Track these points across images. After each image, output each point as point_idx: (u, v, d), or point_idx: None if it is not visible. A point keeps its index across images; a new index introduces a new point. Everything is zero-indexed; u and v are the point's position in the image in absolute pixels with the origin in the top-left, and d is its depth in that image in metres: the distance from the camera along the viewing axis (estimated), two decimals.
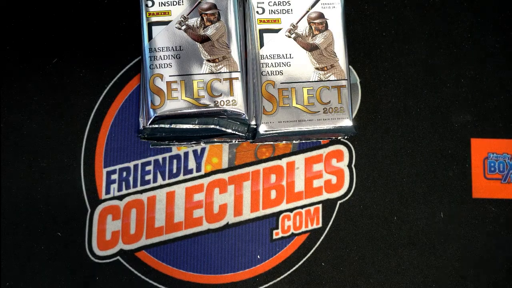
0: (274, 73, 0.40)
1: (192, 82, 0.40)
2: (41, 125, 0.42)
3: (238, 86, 0.40)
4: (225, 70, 0.40)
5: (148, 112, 0.39)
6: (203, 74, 0.40)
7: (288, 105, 0.40)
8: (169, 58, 0.40)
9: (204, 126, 0.39)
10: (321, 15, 0.41)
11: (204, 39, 0.40)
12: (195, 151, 0.42)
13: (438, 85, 0.43)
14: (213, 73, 0.40)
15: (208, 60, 0.40)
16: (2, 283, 0.40)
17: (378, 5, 0.44)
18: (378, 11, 0.44)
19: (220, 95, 0.39)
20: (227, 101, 0.39)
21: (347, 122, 0.40)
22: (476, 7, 0.44)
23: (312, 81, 0.40)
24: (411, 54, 0.44)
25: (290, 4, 0.42)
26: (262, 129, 0.39)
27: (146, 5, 0.41)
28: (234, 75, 0.40)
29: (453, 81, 0.43)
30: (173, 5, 0.41)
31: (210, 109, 0.39)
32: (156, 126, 0.39)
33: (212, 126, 0.39)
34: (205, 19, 0.41)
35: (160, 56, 0.40)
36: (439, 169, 0.43)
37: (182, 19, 0.40)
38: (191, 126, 0.39)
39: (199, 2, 0.41)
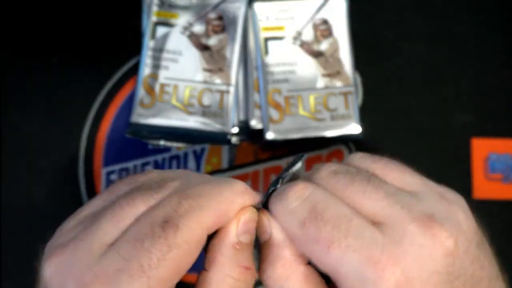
0: (280, 81, 0.40)
1: (185, 88, 0.40)
2: (40, 125, 0.42)
3: (228, 99, 0.40)
4: (218, 82, 0.40)
5: (136, 108, 0.40)
6: (196, 82, 0.40)
7: (294, 113, 0.40)
8: (167, 61, 0.41)
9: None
10: (325, 22, 0.41)
11: (205, 48, 0.40)
12: (194, 151, 0.42)
13: (438, 85, 0.43)
14: (206, 82, 0.40)
15: (205, 69, 0.40)
16: (2, 284, 0.40)
17: (378, 5, 0.44)
18: (378, 11, 0.44)
19: (209, 106, 0.40)
20: (214, 113, 0.40)
21: (355, 129, 0.40)
22: (477, 7, 0.44)
23: (318, 88, 0.40)
24: (411, 54, 0.43)
25: (294, 11, 0.42)
26: (269, 137, 0.39)
27: (156, 5, 0.41)
28: (226, 88, 0.40)
29: (454, 81, 0.43)
30: (182, 9, 0.41)
31: (196, 117, 0.39)
32: (143, 122, 0.39)
33: None
34: (209, 29, 0.41)
35: (159, 56, 0.41)
36: (440, 169, 0.43)
37: (187, 24, 0.41)
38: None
39: (207, 12, 0.41)
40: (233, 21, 0.41)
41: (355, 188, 0.25)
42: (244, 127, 0.41)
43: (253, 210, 0.26)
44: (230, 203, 0.25)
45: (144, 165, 0.41)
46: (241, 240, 0.25)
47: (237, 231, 0.25)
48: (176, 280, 0.24)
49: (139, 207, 0.25)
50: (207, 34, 0.41)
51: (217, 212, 0.25)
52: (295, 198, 0.25)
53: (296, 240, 0.25)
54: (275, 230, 0.25)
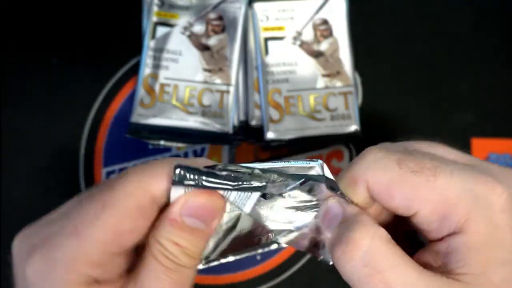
0: (280, 81, 0.40)
1: (185, 88, 0.40)
2: (40, 125, 0.42)
3: (228, 99, 0.40)
4: (218, 82, 0.40)
5: (136, 108, 0.40)
6: (196, 82, 0.40)
7: (294, 113, 0.40)
8: (167, 61, 0.41)
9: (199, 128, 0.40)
10: (325, 22, 0.41)
11: (205, 48, 0.41)
12: (195, 151, 0.42)
13: (438, 85, 0.43)
14: (206, 82, 0.40)
15: (205, 69, 0.40)
16: (2, 284, 0.40)
17: (378, 5, 0.44)
18: (378, 11, 0.44)
19: (209, 106, 0.40)
20: (214, 113, 0.40)
21: (355, 129, 0.40)
22: (476, 7, 0.44)
23: (318, 88, 0.40)
24: (411, 54, 0.43)
25: (294, 11, 0.42)
26: (269, 137, 0.39)
27: (156, 5, 0.41)
28: (226, 88, 0.40)
29: (454, 81, 0.43)
30: (182, 9, 0.41)
31: (196, 117, 0.39)
32: (143, 122, 0.39)
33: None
34: (209, 29, 0.41)
35: (159, 56, 0.41)
36: None
37: (187, 24, 0.41)
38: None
39: (207, 12, 0.41)
40: (233, 21, 0.41)
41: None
42: (244, 127, 0.41)
43: (209, 198, 0.23)
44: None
45: None
46: (185, 221, 0.23)
47: (180, 211, 0.23)
48: (116, 247, 0.23)
49: None
50: (207, 34, 0.41)
51: (158, 175, 0.23)
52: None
53: (393, 184, 0.23)
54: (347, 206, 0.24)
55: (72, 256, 0.22)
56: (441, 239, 0.24)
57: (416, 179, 0.23)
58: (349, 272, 0.23)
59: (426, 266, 0.23)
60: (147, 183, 0.23)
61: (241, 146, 0.42)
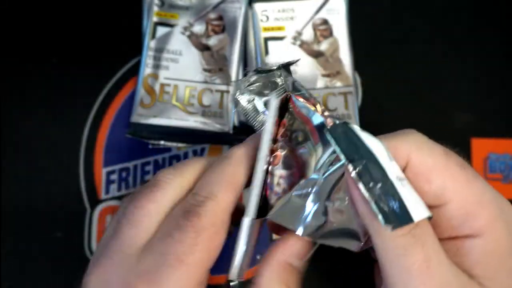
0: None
1: (185, 88, 0.40)
2: (40, 125, 0.42)
3: (228, 99, 0.40)
4: (218, 82, 0.40)
5: (136, 108, 0.40)
6: (196, 82, 0.40)
7: None
8: (167, 61, 0.41)
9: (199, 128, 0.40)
10: (325, 21, 0.41)
11: (205, 48, 0.41)
12: (195, 151, 0.42)
13: (438, 85, 0.43)
14: (206, 82, 0.40)
15: (205, 69, 0.40)
16: (2, 284, 0.40)
17: (378, 5, 0.44)
18: (378, 11, 0.44)
19: (209, 106, 0.40)
20: (214, 113, 0.40)
21: None
22: (476, 7, 0.44)
23: (318, 88, 0.40)
24: (411, 54, 0.43)
25: (294, 11, 0.42)
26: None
27: (156, 5, 0.41)
28: (226, 88, 0.40)
29: (454, 81, 0.43)
30: (182, 9, 0.41)
31: (196, 117, 0.39)
32: (143, 122, 0.39)
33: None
34: (209, 29, 0.41)
35: (159, 56, 0.41)
36: None
37: (187, 24, 0.41)
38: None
39: (207, 12, 0.41)
40: (233, 21, 0.41)
41: None
42: (244, 127, 0.41)
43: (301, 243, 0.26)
44: (236, 175, 0.26)
45: (144, 165, 0.41)
46: (290, 262, 0.26)
47: (286, 253, 0.26)
48: (211, 262, 0.25)
49: (145, 205, 0.26)
50: (207, 34, 0.41)
51: (229, 189, 0.26)
52: None
53: (437, 168, 0.24)
54: None
55: (182, 283, 0.24)
56: (454, 238, 0.24)
57: (460, 172, 0.24)
58: (392, 240, 0.23)
59: None
60: (225, 201, 0.26)
61: None
